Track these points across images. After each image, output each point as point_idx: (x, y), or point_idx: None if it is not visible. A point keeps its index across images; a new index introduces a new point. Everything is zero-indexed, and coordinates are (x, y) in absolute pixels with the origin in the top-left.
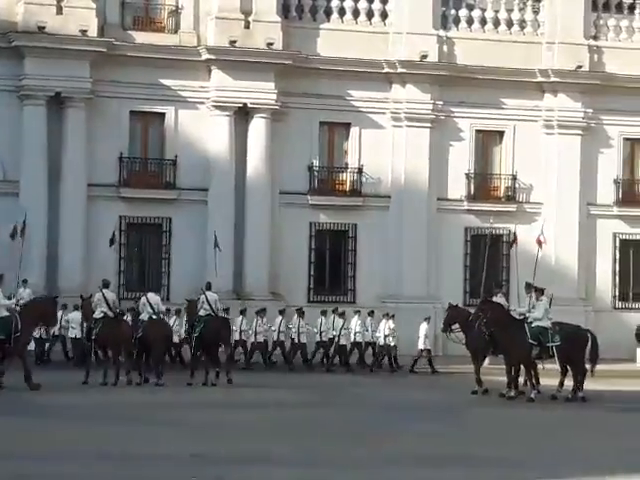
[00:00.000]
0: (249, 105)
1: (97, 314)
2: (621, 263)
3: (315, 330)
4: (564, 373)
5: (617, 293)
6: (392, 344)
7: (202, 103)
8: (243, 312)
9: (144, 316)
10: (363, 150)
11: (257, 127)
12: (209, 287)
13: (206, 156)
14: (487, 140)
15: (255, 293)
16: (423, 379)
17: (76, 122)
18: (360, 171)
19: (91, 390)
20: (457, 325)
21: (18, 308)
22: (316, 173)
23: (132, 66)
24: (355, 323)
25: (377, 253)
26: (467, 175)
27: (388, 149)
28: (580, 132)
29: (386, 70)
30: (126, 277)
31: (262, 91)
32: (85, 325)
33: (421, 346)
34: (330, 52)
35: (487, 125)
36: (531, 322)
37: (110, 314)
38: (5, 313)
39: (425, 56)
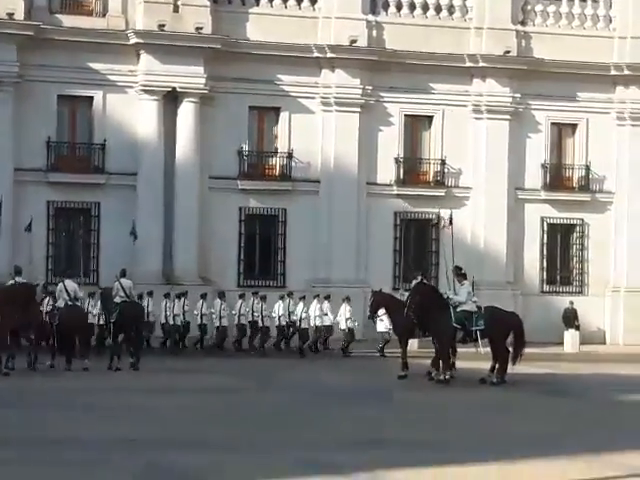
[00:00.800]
0: (178, 89)
1: (60, 302)
2: (549, 247)
3: (234, 312)
4: (495, 357)
5: (545, 277)
6: (325, 325)
7: (131, 87)
8: (204, 296)
9: (60, 303)
10: (293, 135)
11: (186, 111)
12: (124, 274)
13: (135, 140)
14: (416, 125)
15: (185, 277)
16: (348, 362)
17: (3, 106)
18: (290, 156)
19: (12, 376)
20: (383, 310)
21: None
22: (246, 158)
23: (60, 50)
24: (278, 307)
25: (307, 237)
26: (396, 160)
27: (318, 134)
28: (508, 117)
29: (315, 55)
30: (55, 262)
31: (191, 75)
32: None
33: (343, 326)
34: (259, 37)
35: (416, 110)
36: (456, 306)
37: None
38: None
39: (354, 41)
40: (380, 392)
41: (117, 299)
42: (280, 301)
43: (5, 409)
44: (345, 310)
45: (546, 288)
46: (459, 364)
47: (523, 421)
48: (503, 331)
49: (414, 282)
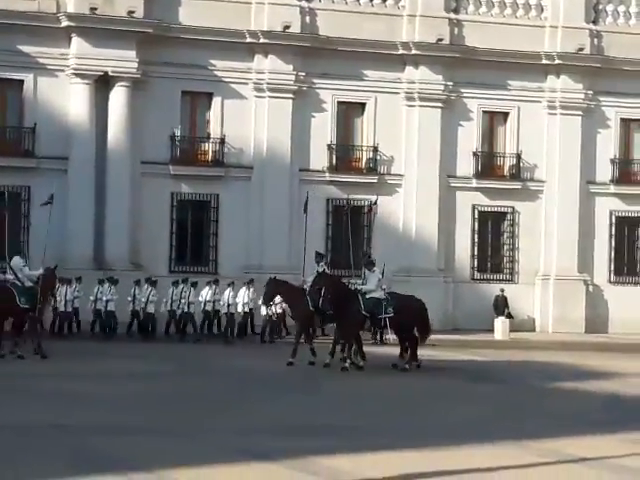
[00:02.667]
0: (110, 73)
1: None
2: (480, 235)
3: (165, 299)
4: (403, 344)
5: (476, 264)
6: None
7: (62, 71)
8: (148, 281)
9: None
10: (225, 120)
11: (118, 96)
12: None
13: (66, 124)
14: (349, 111)
15: (116, 263)
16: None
17: None
18: (222, 141)
19: None
20: (279, 298)
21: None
22: (178, 143)
23: None
24: (206, 293)
25: (239, 224)
26: (329, 146)
27: (250, 120)
28: (440, 105)
29: (249, 40)
30: None
31: (123, 59)
32: None
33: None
34: (192, 21)
35: (349, 97)
36: (365, 294)
37: None
38: (30, 284)
39: (288, 27)
40: (306, 379)
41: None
42: (207, 287)
43: None
44: (245, 294)
45: (477, 275)
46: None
47: (453, 407)
48: (411, 317)
49: (316, 271)
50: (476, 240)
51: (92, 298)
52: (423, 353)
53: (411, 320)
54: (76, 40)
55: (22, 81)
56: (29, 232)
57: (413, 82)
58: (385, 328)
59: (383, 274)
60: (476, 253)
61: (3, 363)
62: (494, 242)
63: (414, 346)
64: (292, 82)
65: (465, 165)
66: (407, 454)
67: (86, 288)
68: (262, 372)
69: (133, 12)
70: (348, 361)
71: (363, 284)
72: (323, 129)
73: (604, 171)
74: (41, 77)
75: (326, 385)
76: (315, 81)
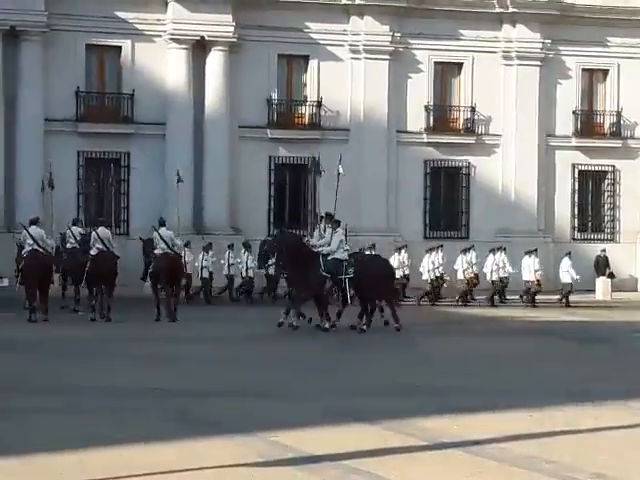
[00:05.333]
0: (206, 38)
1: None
2: (580, 195)
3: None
4: (364, 305)
5: (576, 224)
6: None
7: (159, 36)
8: (231, 247)
9: (94, 251)
10: (322, 83)
11: (215, 60)
12: (163, 224)
13: (164, 90)
14: (446, 72)
15: (215, 228)
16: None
17: (32, 56)
18: (319, 104)
19: (38, 324)
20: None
21: None
22: (275, 106)
23: None
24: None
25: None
26: (426, 107)
27: (347, 82)
28: (539, 63)
29: (344, 2)
30: (85, 213)
31: (219, 24)
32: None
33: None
34: None
35: (446, 57)
36: (326, 255)
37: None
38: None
39: None
40: (400, 339)
41: (158, 250)
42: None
43: (37, 357)
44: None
45: (578, 235)
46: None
47: (553, 368)
48: (372, 278)
49: (276, 231)
50: (576, 200)
51: (223, 262)
52: (525, 314)
53: (372, 281)
54: (172, 5)
55: (120, 47)
56: (129, 198)
57: (510, 41)
58: (345, 289)
59: (346, 235)
60: (576, 213)
61: (105, 326)
62: (594, 201)
63: (372, 308)
64: (388, 43)
65: (564, 124)
66: (506, 415)
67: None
68: (352, 334)
69: None
70: (326, 322)
71: (322, 244)
72: (420, 90)
73: None
74: (138, 43)
75: (423, 345)
76: (411, 41)
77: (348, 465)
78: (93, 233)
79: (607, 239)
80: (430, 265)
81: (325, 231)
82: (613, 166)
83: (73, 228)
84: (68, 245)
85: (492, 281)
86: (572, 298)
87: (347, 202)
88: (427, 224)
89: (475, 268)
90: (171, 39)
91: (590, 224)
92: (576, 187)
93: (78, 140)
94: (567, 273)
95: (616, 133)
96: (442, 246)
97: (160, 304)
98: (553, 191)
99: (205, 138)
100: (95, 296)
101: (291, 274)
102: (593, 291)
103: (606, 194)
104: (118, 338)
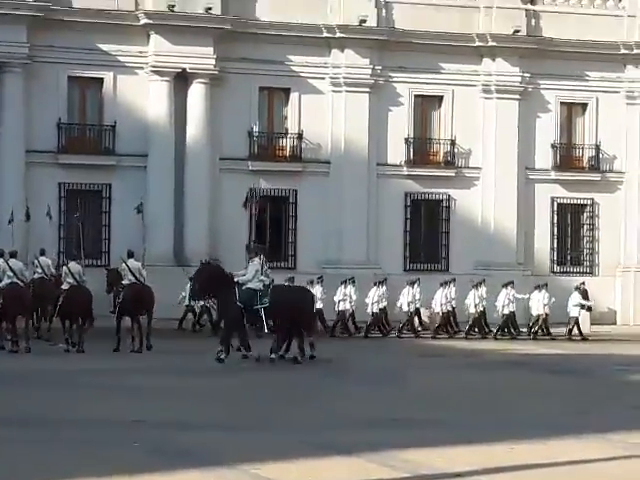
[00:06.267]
0: (188, 70)
1: (64, 285)
2: (559, 227)
3: None
4: (280, 336)
5: (555, 257)
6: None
7: (141, 68)
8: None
9: (65, 285)
10: (303, 115)
11: (196, 92)
12: (131, 255)
13: (145, 122)
14: (426, 105)
15: (195, 259)
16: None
17: (13, 88)
18: (300, 137)
19: (12, 357)
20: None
21: None
22: (256, 139)
23: (69, 30)
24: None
25: (317, 219)
26: (406, 140)
27: (328, 115)
28: (518, 96)
29: (325, 35)
30: (66, 244)
31: (201, 56)
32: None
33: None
34: (269, 17)
35: (426, 90)
36: (242, 285)
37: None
38: None
39: (364, 21)
40: (387, 372)
41: (125, 281)
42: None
43: (11, 389)
44: (341, 292)
45: (557, 269)
46: None
47: (535, 401)
48: (287, 308)
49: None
50: (555, 233)
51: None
52: (502, 347)
53: (288, 312)
54: (154, 37)
55: (102, 79)
56: (110, 229)
57: (490, 74)
58: (262, 320)
59: (262, 265)
60: (555, 246)
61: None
62: (574, 235)
63: (299, 338)
64: (369, 76)
65: (543, 157)
66: (487, 448)
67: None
68: (342, 365)
69: (210, 8)
70: (250, 353)
71: (240, 274)
72: (400, 123)
73: None
74: (120, 75)
75: (409, 378)
76: (392, 75)
77: None
78: (64, 267)
79: (586, 272)
80: (410, 297)
81: (263, 262)
82: (592, 199)
83: (41, 258)
84: (35, 275)
85: (476, 313)
86: (553, 330)
87: (327, 235)
88: (407, 257)
89: (454, 302)
90: (153, 71)
91: (569, 257)
92: (555, 220)
93: (59, 172)
94: (576, 307)
95: (595, 167)
96: (419, 279)
97: (131, 334)
98: (532, 224)
99: (186, 170)
100: (69, 329)
101: (217, 304)
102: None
103: (585, 227)
104: (96, 370)
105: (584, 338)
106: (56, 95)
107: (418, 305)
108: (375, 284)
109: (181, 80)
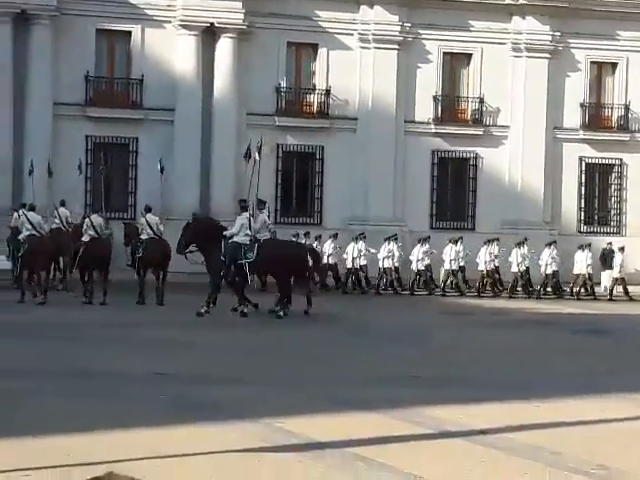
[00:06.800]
0: (216, 24)
1: (85, 237)
2: (587, 187)
3: None
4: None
5: (582, 217)
6: (363, 264)
7: (169, 22)
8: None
9: (85, 237)
10: (331, 71)
11: (224, 47)
12: (149, 210)
13: (173, 76)
14: (455, 62)
15: (221, 214)
16: (388, 300)
17: (42, 40)
18: (328, 93)
19: (34, 308)
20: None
21: None
22: (283, 94)
23: None
24: (329, 246)
25: (344, 175)
26: (435, 98)
27: (356, 71)
28: (547, 55)
29: None
30: (93, 197)
31: (229, 10)
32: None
33: (386, 265)
34: None
35: (455, 47)
36: (229, 239)
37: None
38: None
39: None
40: (416, 331)
41: (144, 235)
42: (329, 240)
43: (33, 341)
44: (355, 248)
45: (584, 228)
46: None
47: (559, 360)
48: (273, 263)
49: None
50: (583, 192)
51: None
52: (530, 306)
53: (273, 265)
54: None
55: (130, 32)
56: (137, 183)
57: (520, 33)
58: (247, 274)
59: (250, 221)
60: (583, 206)
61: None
62: (601, 195)
63: (284, 293)
64: (397, 33)
65: (572, 117)
66: (512, 406)
67: None
68: (370, 323)
69: None
70: (243, 306)
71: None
72: (428, 80)
73: None
74: (148, 28)
75: (434, 336)
76: (421, 32)
77: (354, 452)
78: (86, 220)
79: (613, 232)
80: (453, 255)
81: (267, 217)
82: (620, 159)
83: (61, 209)
84: (53, 225)
85: (520, 273)
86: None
87: (354, 191)
88: (433, 214)
89: (497, 261)
90: (181, 25)
91: (596, 217)
92: (583, 180)
93: (87, 124)
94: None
95: (624, 126)
96: (462, 238)
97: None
98: (560, 184)
99: (213, 124)
100: (87, 281)
101: (206, 258)
102: (598, 284)
103: (613, 187)
104: (119, 323)
105: (631, 298)
106: (84, 48)
107: (462, 263)
108: (419, 241)
109: (209, 34)
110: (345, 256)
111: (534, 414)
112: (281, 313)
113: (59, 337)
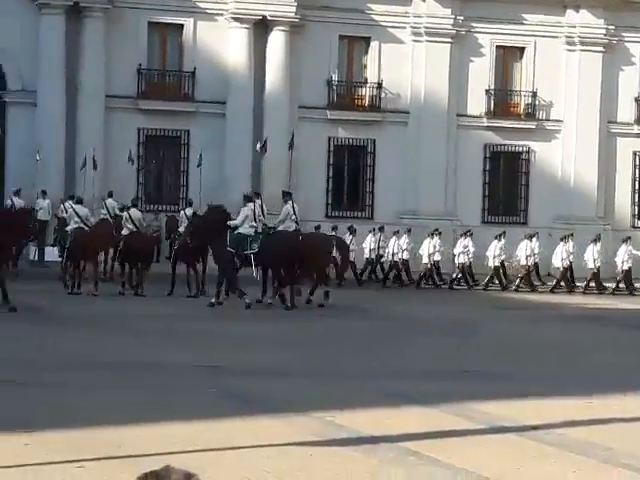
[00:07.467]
0: (268, 17)
1: (124, 231)
2: None
3: None
4: (266, 280)
5: (636, 212)
6: (406, 259)
7: (221, 15)
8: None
9: (125, 231)
10: (383, 65)
11: (276, 40)
12: (190, 204)
13: (225, 69)
14: (507, 56)
15: (274, 207)
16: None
17: (94, 33)
18: (380, 86)
19: (77, 300)
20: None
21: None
22: (335, 87)
23: None
24: (370, 240)
25: (395, 169)
26: (487, 91)
27: (408, 64)
28: (602, 49)
29: None
30: (145, 189)
31: (281, 3)
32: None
33: (425, 261)
34: None
35: (508, 41)
36: (234, 229)
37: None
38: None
39: None
40: (461, 324)
41: (181, 228)
42: (370, 234)
43: (81, 333)
44: (397, 242)
45: (637, 223)
46: None
47: (613, 356)
48: (278, 254)
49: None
50: (637, 187)
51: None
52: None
53: (276, 257)
54: None
55: (182, 25)
56: (188, 176)
57: (574, 26)
58: (251, 265)
59: (255, 212)
60: (637, 200)
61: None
62: None
63: (281, 284)
64: (450, 26)
65: (626, 111)
66: (564, 402)
67: None
68: (422, 317)
69: None
70: (245, 297)
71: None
72: (481, 74)
73: None
74: (200, 21)
75: (484, 330)
76: (473, 25)
77: (405, 447)
78: (125, 214)
79: None
80: (498, 251)
81: (293, 208)
82: None
83: (108, 200)
84: (101, 217)
85: (564, 268)
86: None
87: (405, 185)
88: (485, 209)
89: (536, 257)
90: (233, 18)
91: None
92: (637, 174)
93: (139, 117)
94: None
95: None
96: (504, 232)
97: (187, 279)
98: (613, 178)
99: (265, 118)
100: (128, 272)
101: (212, 249)
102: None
103: None
104: (158, 315)
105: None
106: (136, 41)
107: (503, 257)
108: (462, 235)
109: (261, 27)
110: (421, 252)
111: (586, 410)
112: (270, 301)
113: (105, 329)
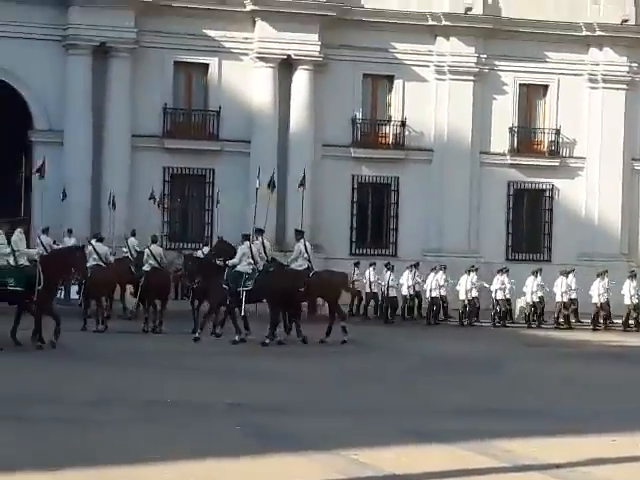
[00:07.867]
0: (293, 57)
1: (146, 267)
2: None
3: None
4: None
5: None
6: (443, 294)
7: (246, 54)
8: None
9: (146, 267)
10: (406, 103)
11: (300, 79)
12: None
13: (249, 107)
14: (531, 94)
15: (289, 245)
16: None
17: (121, 72)
18: (403, 124)
19: (94, 336)
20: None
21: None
22: (359, 126)
23: (176, 16)
24: (407, 277)
25: (419, 206)
26: (510, 129)
27: (431, 102)
28: (625, 87)
29: (430, 23)
30: (170, 228)
31: (306, 43)
32: None
33: (462, 297)
34: (374, 4)
35: (531, 79)
36: (232, 267)
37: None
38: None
39: (470, 9)
40: (487, 362)
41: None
42: (407, 270)
43: (94, 369)
44: (434, 279)
45: None
46: None
47: (636, 394)
48: (274, 292)
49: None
50: None
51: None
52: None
53: (269, 294)
54: (260, 24)
55: (207, 65)
56: (212, 214)
57: (597, 64)
58: (241, 301)
59: (252, 250)
60: None
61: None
62: None
63: (274, 322)
64: (473, 64)
65: None
66: (588, 439)
67: None
68: (447, 354)
69: None
70: (238, 335)
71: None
72: (504, 111)
73: None
74: (226, 60)
75: (507, 367)
76: (497, 63)
77: None
78: (146, 250)
79: None
80: (535, 287)
81: (305, 246)
82: None
83: (131, 239)
84: (122, 255)
85: (600, 304)
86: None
87: (429, 222)
88: (509, 246)
89: (574, 293)
90: (258, 57)
91: None
92: None
93: (164, 156)
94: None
95: None
96: (508, 270)
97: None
98: (637, 215)
99: (289, 156)
100: (147, 309)
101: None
102: None
103: None
104: (178, 351)
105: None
106: (162, 80)
107: (540, 293)
108: (499, 271)
109: (285, 66)
110: (458, 288)
111: (610, 448)
112: (267, 341)
113: (129, 365)
